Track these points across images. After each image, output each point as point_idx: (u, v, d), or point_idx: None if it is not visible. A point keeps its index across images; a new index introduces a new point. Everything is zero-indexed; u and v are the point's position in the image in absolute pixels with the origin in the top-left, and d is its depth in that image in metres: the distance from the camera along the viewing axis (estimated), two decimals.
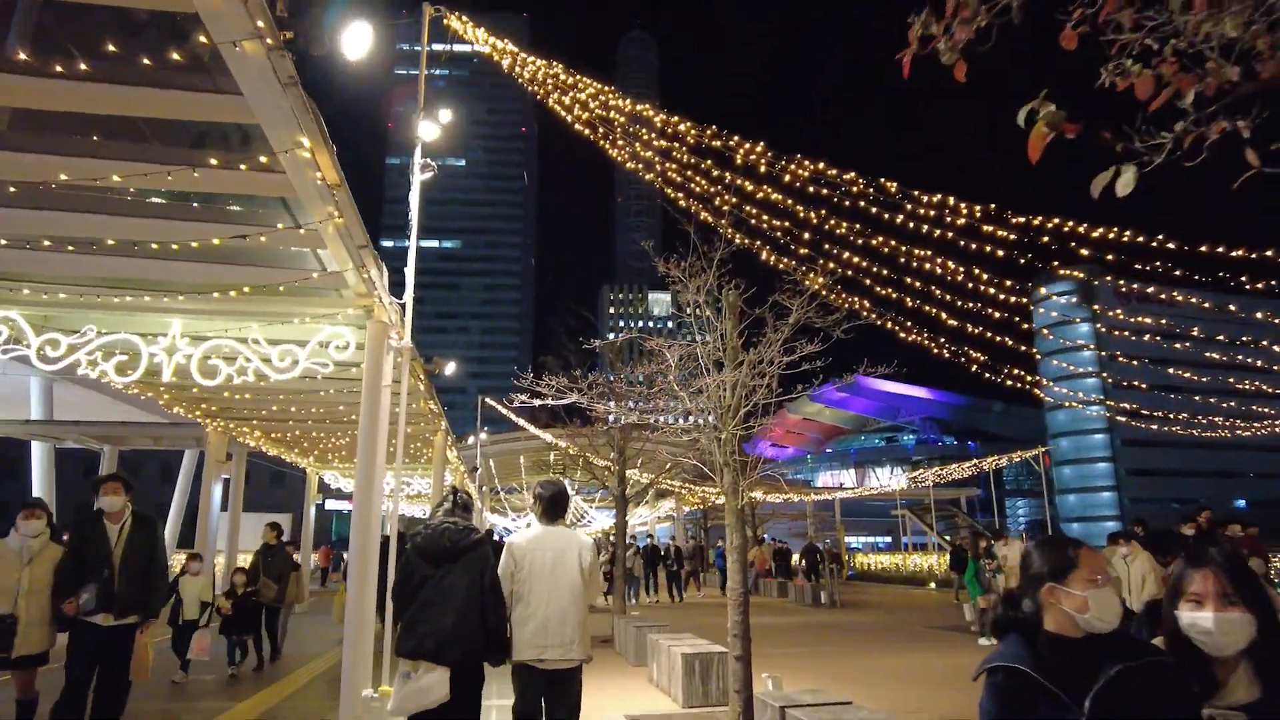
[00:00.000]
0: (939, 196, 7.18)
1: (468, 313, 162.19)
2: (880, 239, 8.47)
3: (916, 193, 7.33)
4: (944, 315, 9.76)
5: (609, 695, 8.81)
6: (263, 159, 4.18)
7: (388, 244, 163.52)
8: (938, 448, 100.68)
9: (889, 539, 72.37)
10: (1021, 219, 7.26)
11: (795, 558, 24.68)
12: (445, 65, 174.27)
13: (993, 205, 7.22)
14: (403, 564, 4.42)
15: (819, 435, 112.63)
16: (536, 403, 7.25)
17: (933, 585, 28.96)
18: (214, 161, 4.24)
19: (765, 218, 8.30)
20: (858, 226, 8.12)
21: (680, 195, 8.75)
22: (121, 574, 5.24)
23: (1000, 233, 7.44)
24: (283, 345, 6.91)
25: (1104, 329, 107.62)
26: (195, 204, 5.45)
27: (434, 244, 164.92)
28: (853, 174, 7.37)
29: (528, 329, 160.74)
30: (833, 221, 8.08)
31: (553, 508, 4.69)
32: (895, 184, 7.28)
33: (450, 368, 11.06)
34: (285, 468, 20.85)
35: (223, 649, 9.64)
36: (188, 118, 4.25)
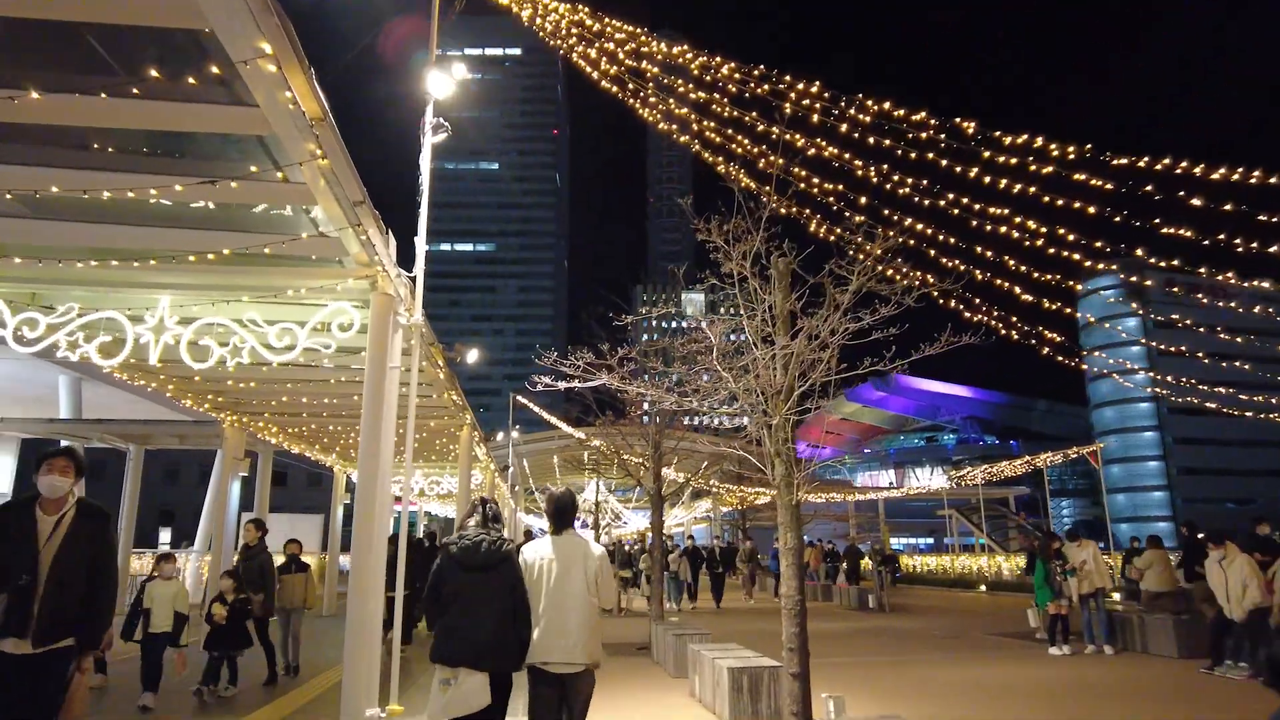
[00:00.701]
0: (1024, 137, 6.19)
1: (503, 315, 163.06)
2: (952, 197, 7.55)
3: (997, 133, 6.37)
4: (1018, 291, 8.64)
5: (647, 712, 8.01)
6: (214, 69, 3.43)
7: (427, 248, 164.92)
8: (979, 447, 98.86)
9: (930, 540, 70.67)
10: (1124, 160, 6.21)
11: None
12: (477, 68, 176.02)
13: (1088, 147, 6.18)
14: (436, 571, 4.48)
15: (857, 435, 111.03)
16: (563, 385, 6.45)
17: (983, 588, 27.72)
18: (154, 74, 3.52)
19: (816, 181, 7.43)
20: (924, 183, 7.21)
21: (719, 159, 7.90)
22: (49, 583, 3.77)
23: (1094, 181, 6.45)
24: (281, 324, 6.21)
25: (1154, 320, 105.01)
26: (161, 152, 4.75)
27: (469, 248, 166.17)
28: (923, 114, 6.38)
29: (562, 330, 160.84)
30: (896, 178, 7.18)
31: (560, 517, 4.76)
32: (972, 124, 6.30)
33: (473, 355, 10.31)
34: (317, 468, 20.43)
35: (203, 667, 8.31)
36: (131, 21, 3.50)
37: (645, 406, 12.18)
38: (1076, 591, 11.03)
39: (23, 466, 21.62)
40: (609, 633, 14.67)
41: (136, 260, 5.45)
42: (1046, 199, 6.77)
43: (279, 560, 9.83)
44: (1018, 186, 7.00)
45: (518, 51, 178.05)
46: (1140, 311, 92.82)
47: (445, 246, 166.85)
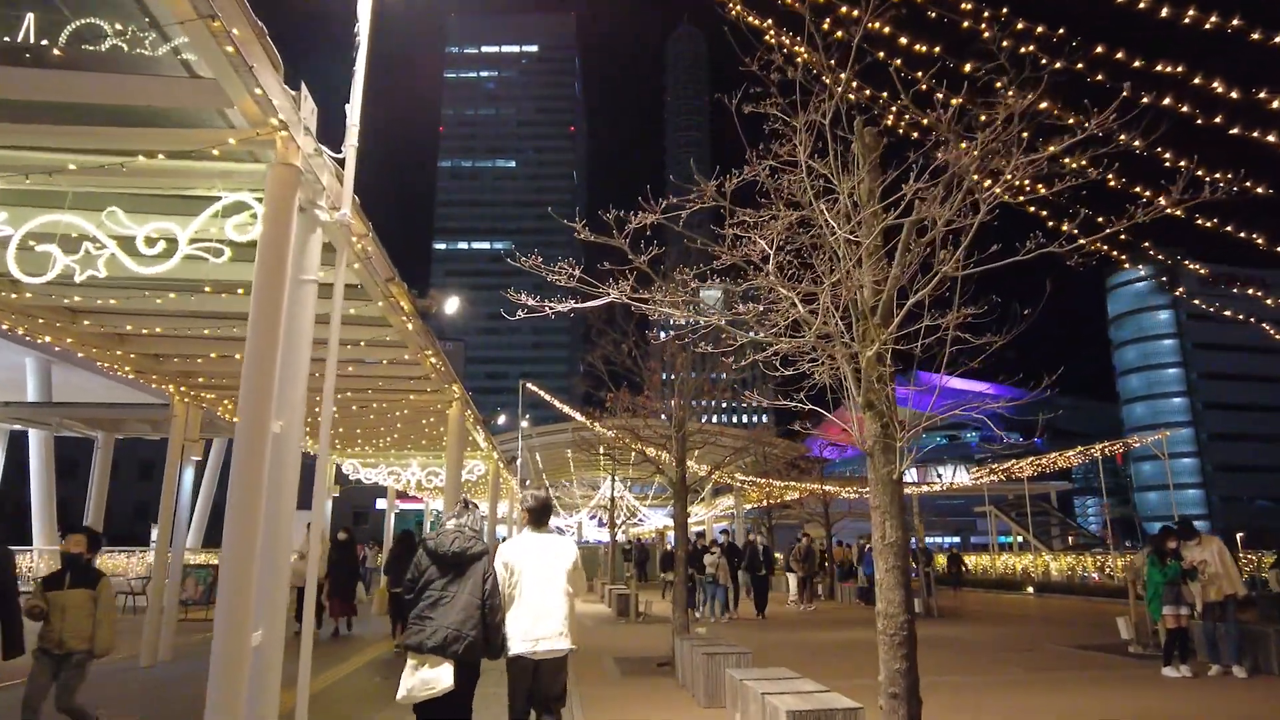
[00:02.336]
0: None
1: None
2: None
3: None
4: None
5: None
6: None
7: (440, 246, 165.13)
8: (1002, 445, 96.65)
9: (957, 539, 68.43)
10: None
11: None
12: (493, 66, 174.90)
13: None
14: (413, 565, 4.80)
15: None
16: (559, 308, 4.61)
17: (1030, 590, 25.59)
18: None
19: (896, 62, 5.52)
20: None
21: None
22: None
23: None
24: (155, 222, 4.35)
25: (1187, 316, 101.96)
26: None
27: (485, 246, 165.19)
28: None
29: (578, 330, 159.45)
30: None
31: (539, 517, 5.14)
32: None
33: (452, 305, 8.45)
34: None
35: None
36: None
37: (665, 376, 10.32)
38: (1200, 598, 8.99)
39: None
40: (621, 645, 12.81)
41: None
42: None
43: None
44: None
45: (534, 49, 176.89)
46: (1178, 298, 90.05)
47: (462, 245, 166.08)
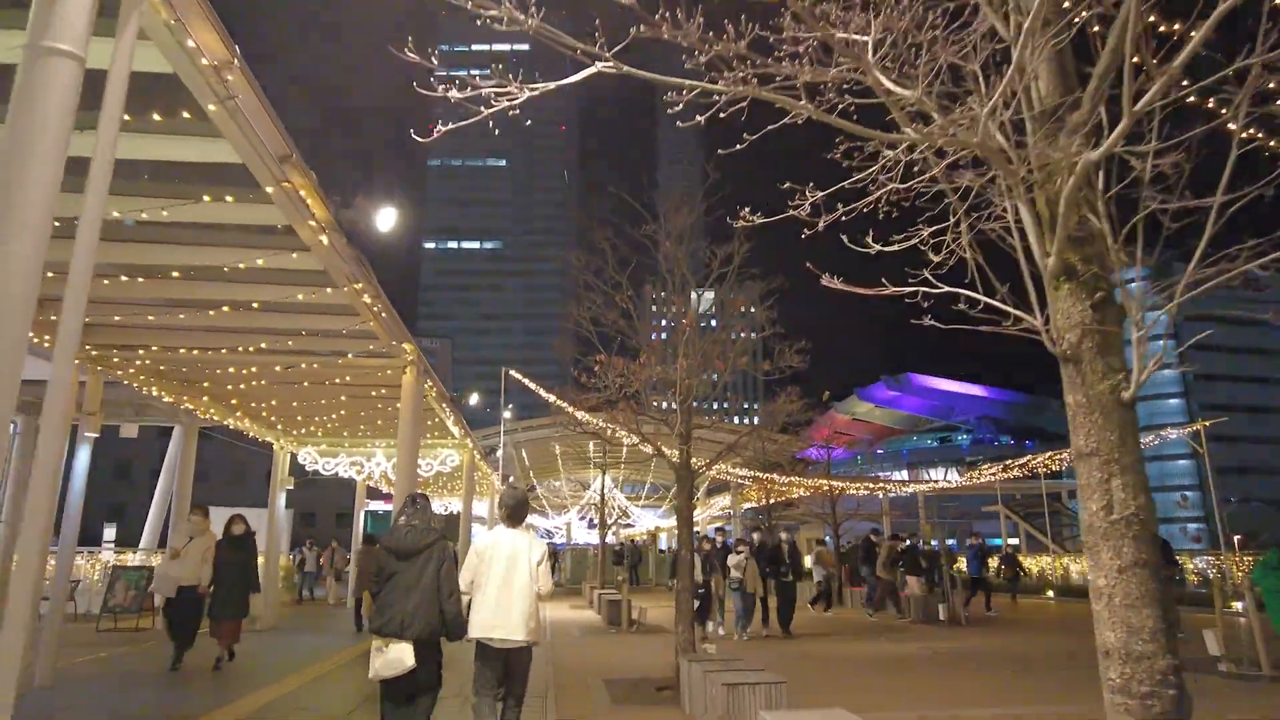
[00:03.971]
0: None
1: (510, 314, 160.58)
2: None
3: None
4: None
5: None
6: None
7: (430, 245, 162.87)
8: (994, 447, 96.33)
9: (952, 541, 66.72)
10: None
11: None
12: (483, 65, 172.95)
13: None
14: (376, 559, 5.26)
15: (869, 436, 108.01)
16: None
17: (1050, 594, 23.81)
18: None
19: None
20: None
21: None
22: None
23: None
24: None
25: (1184, 319, 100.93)
26: None
27: (475, 245, 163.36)
28: None
29: (569, 328, 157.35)
30: None
31: (514, 514, 5.54)
32: None
33: (386, 219, 6.51)
34: (251, 445, 16.72)
35: None
36: None
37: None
38: None
39: None
40: (612, 661, 10.89)
41: None
42: None
43: None
44: None
45: (525, 47, 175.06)
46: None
47: (452, 244, 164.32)
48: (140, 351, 7.80)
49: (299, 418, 11.93)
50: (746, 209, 3.25)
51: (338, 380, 8.73)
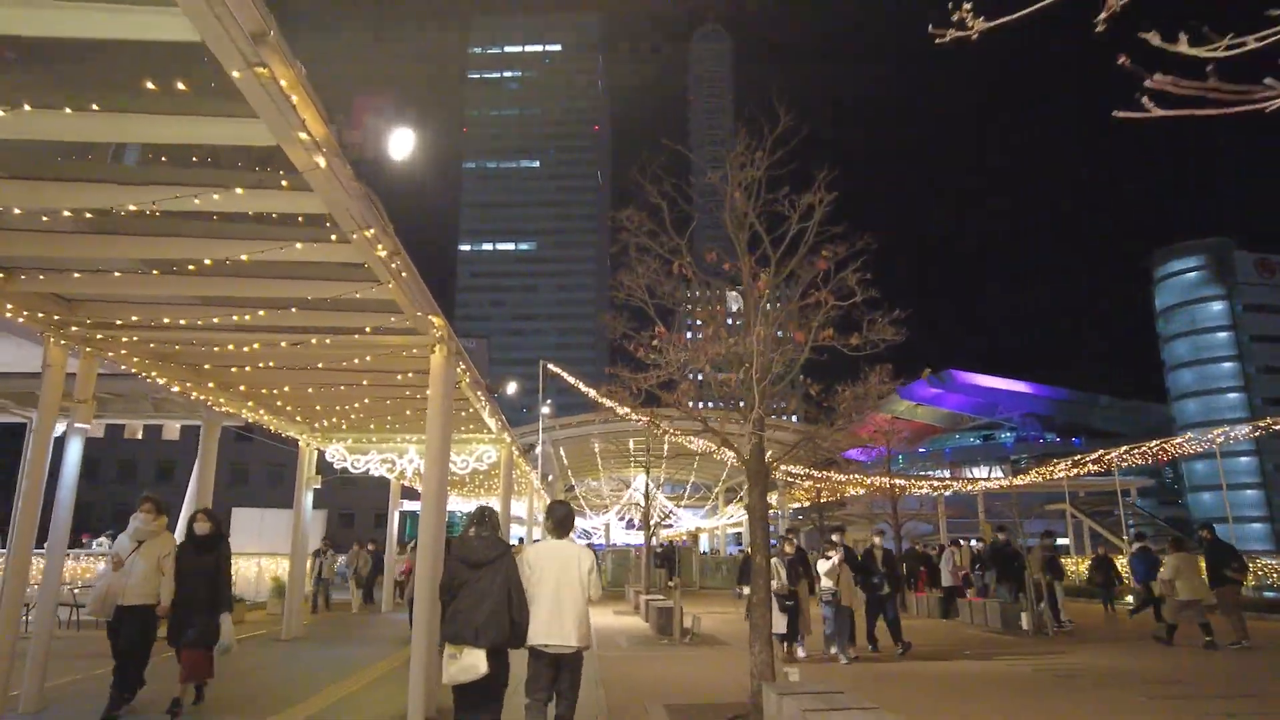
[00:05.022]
0: None
1: (544, 314, 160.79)
2: None
3: None
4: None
5: None
6: None
7: (465, 248, 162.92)
8: (1039, 445, 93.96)
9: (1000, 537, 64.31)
10: None
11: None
12: (517, 66, 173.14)
13: None
14: (445, 568, 5.55)
15: (910, 435, 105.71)
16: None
17: (1129, 599, 22.02)
18: None
19: None
20: None
21: None
22: None
23: None
24: None
25: (1243, 308, 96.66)
26: None
27: (510, 247, 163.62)
28: None
29: (603, 329, 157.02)
30: None
31: (561, 525, 5.74)
32: None
33: (402, 144, 5.35)
34: (287, 445, 15.79)
35: None
36: None
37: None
38: None
39: None
40: (669, 681, 9.65)
41: None
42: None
43: None
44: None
45: (558, 48, 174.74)
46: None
47: (487, 246, 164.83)
48: (119, 322, 6.72)
49: (318, 407, 10.82)
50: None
51: (356, 362, 7.55)
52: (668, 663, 10.99)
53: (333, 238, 4.87)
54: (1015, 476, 29.51)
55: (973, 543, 21.50)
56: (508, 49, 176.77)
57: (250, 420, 12.08)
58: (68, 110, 4.18)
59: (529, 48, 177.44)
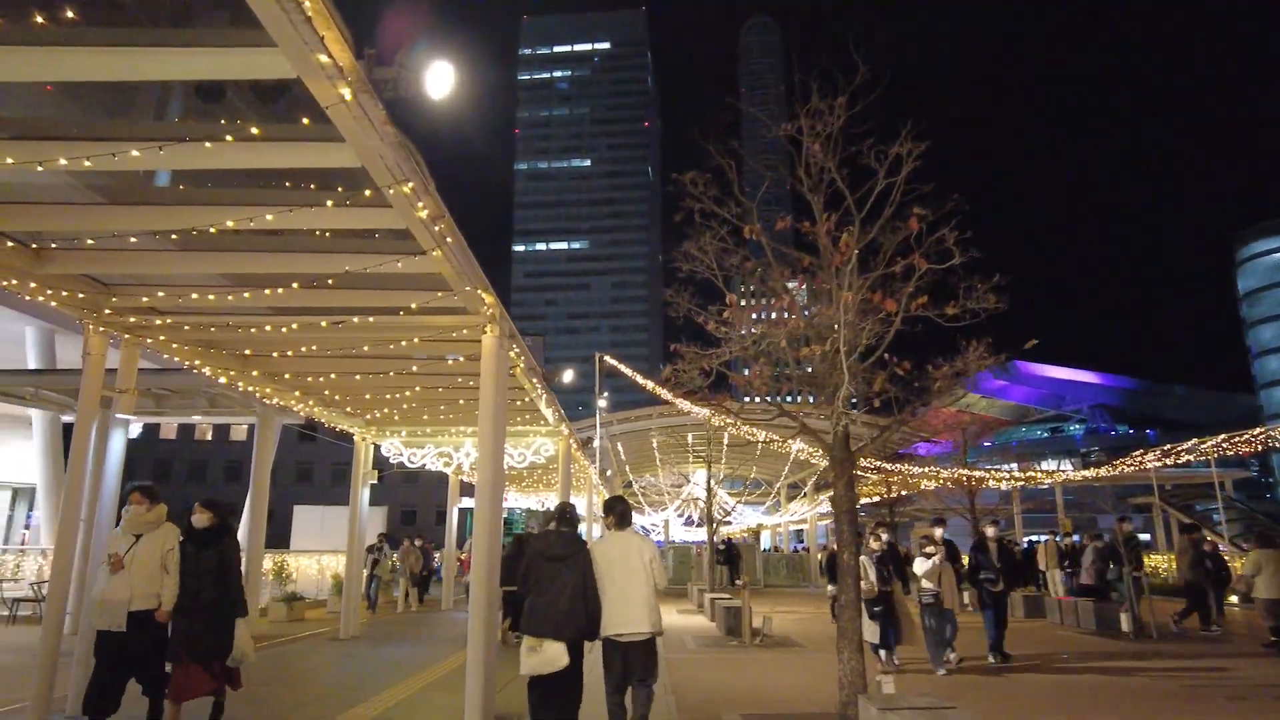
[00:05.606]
0: None
1: (598, 312, 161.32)
2: None
3: None
4: None
5: None
6: None
7: (519, 248, 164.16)
8: (1110, 437, 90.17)
9: (1076, 537, 61.65)
10: None
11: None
12: (566, 66, 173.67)
13: None
14: (525, 563, 5.64)
15: (974, 429, 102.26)
16: None
17: (1234, 600, 20.41)
18: None
19: None
20: None
21: None
22: None
23: None
24: None
25: None
26: None
27: (563, 245, 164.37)
28: None
29: (656, 325, 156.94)
30: None
31: (621, 520, 5.91)
32: None
33: (441, 78, 4.78)
34: (339, 440, 15.58)
35: None
36: None
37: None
38: None
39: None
40: (744, 689, 8.92)
41: None
42: None
43: None
44: None
45: (606, 45, 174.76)
46: None
47: (540, 246, 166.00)
48: (145, 300, 6.29)
49: (367, 396, 10.37)
50: None
51: (404, 344, 7.03)
52: (740, 666, 10.29)
53: (367, 193, 4.30)
54: (1088, 469, 27.86)
55: (1058, 538, 20.23)
56: (556, 48, 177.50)
57: (301, 412, 11.69)
58: (75, 49, 3.72)
59: (578, 46, 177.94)
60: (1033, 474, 24.66)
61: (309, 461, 63.54)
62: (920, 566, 9.72)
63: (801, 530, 48.28)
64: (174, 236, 4.92)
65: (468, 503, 30.32)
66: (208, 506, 6.37)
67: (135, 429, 15.64)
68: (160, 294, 6.05)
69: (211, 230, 4.50)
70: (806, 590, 27.67)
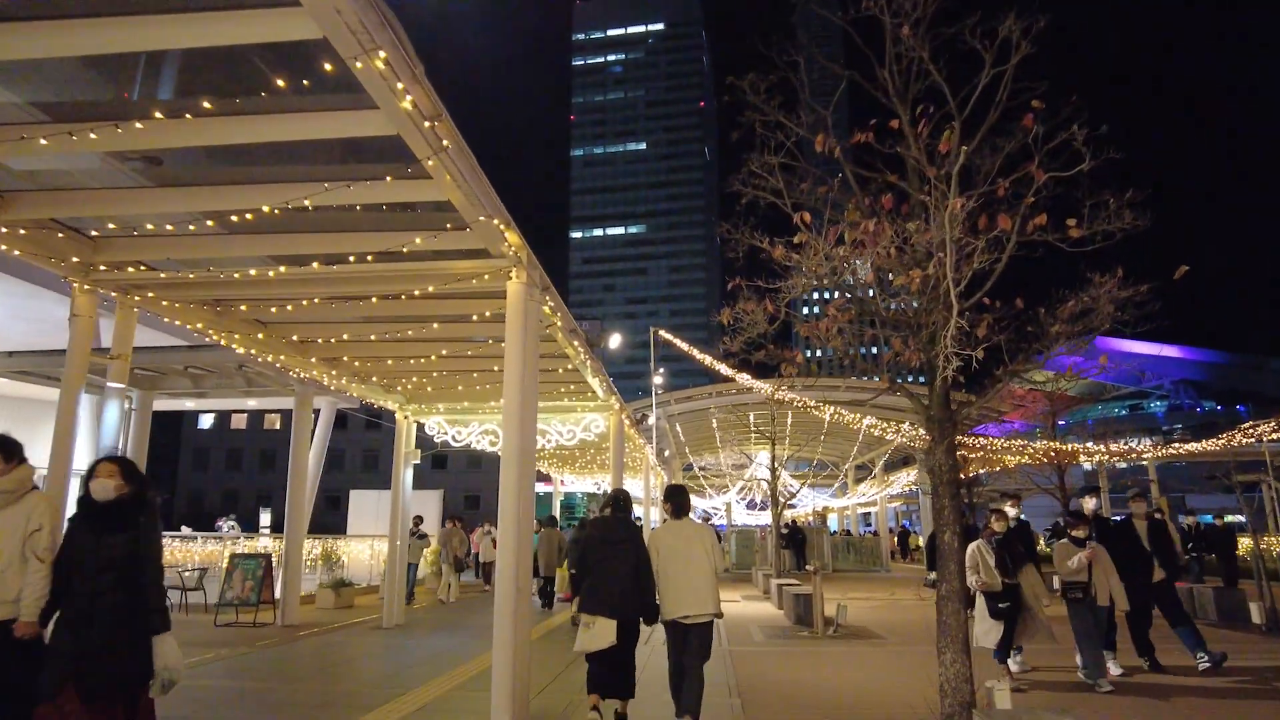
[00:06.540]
0: None
1: (656, 296, 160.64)
2: None
3: None
4: None
5: None
6: None
7: (576, 234, 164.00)
8: (1195, 414, 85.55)
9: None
10: None
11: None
12: (620, 49, 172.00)
13: None
14: (582, 545, 6.10)
15: (1048, 407, 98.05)
16: None
17: None
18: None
19: None
20: None
21: None
22: None
23: None
24: None
25: None
26: None
27: (620, 231, 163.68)
28: None
29: (715, 308, 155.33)
30: None
31: (679, 508, 6.12)
32: None
33: None
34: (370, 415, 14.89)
35: None
36: None
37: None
38: None
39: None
40: (824, 694, 7.83)
41: None
42: None
43: None
44: None
45: (660, 26, 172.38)
46: None
47: (597, 232, 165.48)
48: (112, 227, 5.46)
49: (389, 362, 9.48)
50: None
51: (417, 293, 6.09)
52: (814, 662, 9.14)
53: (327, 67, 3.31)
54: (1170, 446, 25.67)
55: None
56: (610, 32, 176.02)
57: (331, 386, 10.83)
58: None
59: (631, 29, 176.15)
60: (1132, 449, 22.65)
61: (375, 449, 64.24)
62: (1065, 559, 7.70)
63: (870, 513, 46.55)
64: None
65: (541, 488, 29.65)
66: (119, 470, 4.25)
67: (162, 403, 14.36)
68: (147, 228, 5.17)
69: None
70: (878, 574, 26.28)
